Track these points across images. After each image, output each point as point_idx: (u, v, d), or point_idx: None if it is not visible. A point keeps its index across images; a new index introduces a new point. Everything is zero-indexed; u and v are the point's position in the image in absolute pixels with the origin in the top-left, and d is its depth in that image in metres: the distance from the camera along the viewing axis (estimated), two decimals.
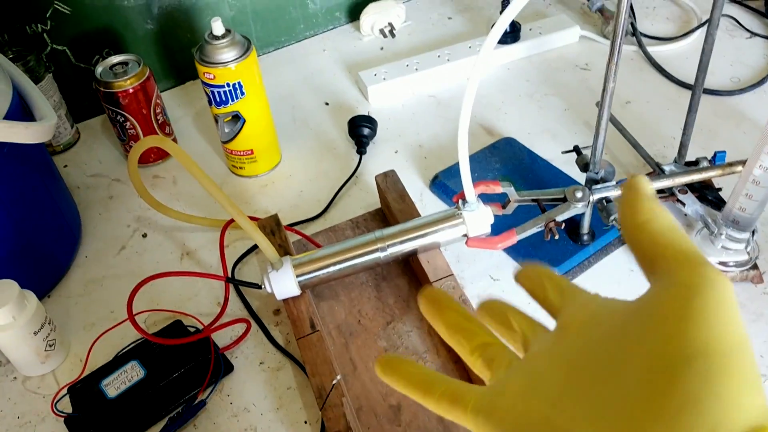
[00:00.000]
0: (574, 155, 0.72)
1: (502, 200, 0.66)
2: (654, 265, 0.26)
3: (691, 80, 0.91)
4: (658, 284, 0.25)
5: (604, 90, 0.61)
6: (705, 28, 0.99)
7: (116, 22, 0.91)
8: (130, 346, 0.66)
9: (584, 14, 1.07)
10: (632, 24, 0.99)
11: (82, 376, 0.64)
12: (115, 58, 0.82)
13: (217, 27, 0.73)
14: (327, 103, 0.95)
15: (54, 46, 0.89)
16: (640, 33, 0.99)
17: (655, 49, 0.98)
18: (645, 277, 0.27)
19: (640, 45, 0.97)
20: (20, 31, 0.86)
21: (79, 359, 0.67)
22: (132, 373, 0.62)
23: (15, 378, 0.66)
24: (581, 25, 1.02)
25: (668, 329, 0.23)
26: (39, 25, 0.86)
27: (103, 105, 0.82)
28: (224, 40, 0.73)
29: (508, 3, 0.96)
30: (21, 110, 0.67)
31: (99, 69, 0.80)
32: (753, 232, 0.65)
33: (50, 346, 0.65)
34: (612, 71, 0.59)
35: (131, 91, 0.80)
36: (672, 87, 0.92)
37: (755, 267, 0.67)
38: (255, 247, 0.75)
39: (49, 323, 0.65)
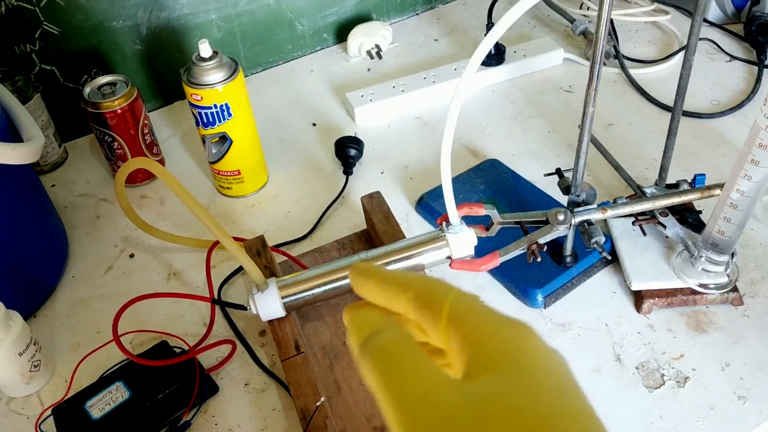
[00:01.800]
0: (557, 177, 0.73)
1: (485, 222, 0.67)
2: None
3: (672, 103, 0.93)
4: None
5: (584, 114, 0.62)
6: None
7: (105, 43, 0.92)
8: (116, 367, 0.66)
9: (568, 37, 1.09)
10: (614, 47, 1.01)
11: (67, 397, 0.64)
12: (103, 79, 0.82)
13: (205, 49, 0.74)
14: (314, 124, 0.96)
15: (42, 66, 0.89)
16: (623, 55, 1.01)
17: (637, 72, 0.99)
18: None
19: (623, 67, 0.99)
20: (8, 50, 0.86)
21: (64, 380, 0.67)
22: (117, 394, 0.62)
23: None
24: (565, 48, 1.03)
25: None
26: (27, 45, 0.87)
27: (91, 125, 0.82)
28: (212, 62, 0.74)
29: (493, 26, 0.98)
30: (8, 131, 0.68)
31: (87, 89, 0.81)
32: (732, 255, 0.66)
33: (35, 367, 0.65)
34: (591, 96, 0.60)
35: (119, 111, 0.80)
36: (654, 109, 0.94)
37: (735, 289, 0.68)
38: (242, 267, 0.76)
39: (34, 344, 0.65)
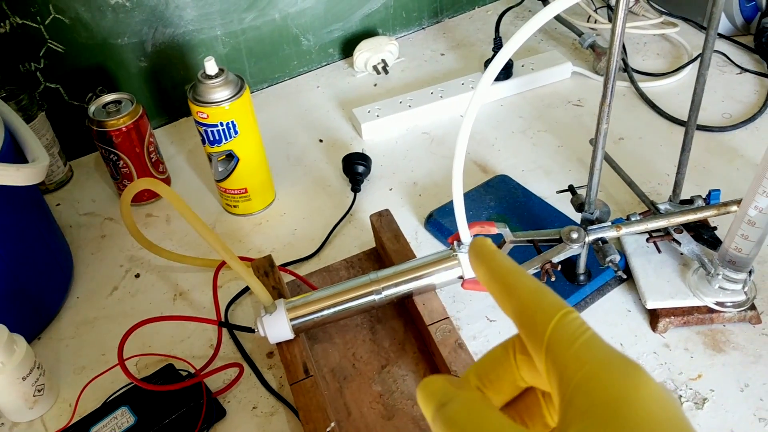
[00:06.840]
0: (569, 194, 0.72)
1: (497, 241, 0.66)
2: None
3: (682, 116, 0.92)
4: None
5: (597, 131, 0.61)
6: (696, 66, 1.00)
7: (110, 60, 0.91)
8: (121, 391, 0.65)
9: (576, 50, 1.08)
10: (623, 60, 1.00)
11: (71, 423, 0.62)
12: (108, 97, 0.82)
13: (210, 66, 0.73)
14: (321, 140, 0.95)
15: (47, 84, 0.89)
16: (632, 69, 1.00)
17: (647, 85, 0.98)
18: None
19: (632, 81, 0.98)
20: (13, 69, 0.86)
21: (69, 404, 0.66)
22: (122, 419, 0.61)
23: (2, 424, 0.65)
24: (573, 61, 1.02)
25: None
26: (32, 64, 0.86)
27: (96, 144, 0.81)
28: (218, 80, 0.73)
29: (500, 40, 0.97)
30: (13, 151, 0.67)
31: (92, 108, 0.80)
32: (750, 272, 0.65)
33: (39, 391, 0.64)
34: (605, 112, 0.59)
35: (124, 129, 0.80)
36: (664, 123, 0.93)
37: (753, 307, 0.66)
38: (249, 287, 0.75)
39: (38, 368, 0.64)
